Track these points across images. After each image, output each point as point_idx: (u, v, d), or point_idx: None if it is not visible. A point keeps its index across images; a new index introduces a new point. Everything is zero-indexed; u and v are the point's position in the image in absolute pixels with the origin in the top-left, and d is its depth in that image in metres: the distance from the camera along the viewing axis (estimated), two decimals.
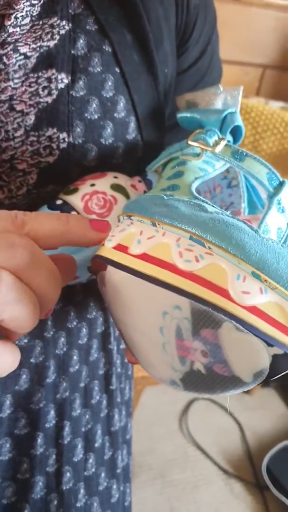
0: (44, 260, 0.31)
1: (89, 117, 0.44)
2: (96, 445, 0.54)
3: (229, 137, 0.43)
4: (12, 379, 0.46)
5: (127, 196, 0.44)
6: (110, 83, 0.45)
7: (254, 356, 0.29)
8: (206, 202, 0.32)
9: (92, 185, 0.43)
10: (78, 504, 0.51)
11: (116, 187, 0.44)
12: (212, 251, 0.29)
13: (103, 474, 0.55)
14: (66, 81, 0.42)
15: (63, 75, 0.42)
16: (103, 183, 0.44)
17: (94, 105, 0.44)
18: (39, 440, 0.48)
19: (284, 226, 0.35)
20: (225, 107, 0.46)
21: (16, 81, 0.41)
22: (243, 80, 1.46)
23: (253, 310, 0.27)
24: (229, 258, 0.28)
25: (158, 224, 0.31)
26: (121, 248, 0.32)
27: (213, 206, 0.32)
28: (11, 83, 0.40)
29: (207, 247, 0.29)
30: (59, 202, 0.43)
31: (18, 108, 0.41)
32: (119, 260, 0.31)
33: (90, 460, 0.53)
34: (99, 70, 0.44)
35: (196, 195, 0.33)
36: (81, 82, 0.43)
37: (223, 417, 1.47)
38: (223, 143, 0.39)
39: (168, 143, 0.57)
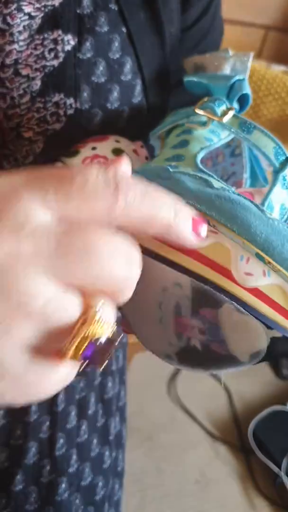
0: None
1: (96, 80, 0.42)
2: (89, 412, 0.54)
3: (235, 105, 0.42)
4: None
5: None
6: (116, 44, 0.43)
7: (253, 338, 0.29)
8: (212, 176, 0.31)
9: (94, 148, 0.42)
10: (70, 470, 0.51)
11: (117, 152, 0.42)
12: (217, 229, 0.28)
13: (95, 441, 0.55)
14: (72, 42, 0.40)
15: (69, 36, 0.40)
16: (105, 146, 0.42)
17: (101, 68, 0.42)
18: (33, 407, 0.48)
19: (287, 203, 0.34)
20: (234, 73, 0.45)
21: (21, 43, 0.38)
22: (244, 41, 1.42)
23: (255, 292, 0.27)
24: (234, 237, 0.27)
25: None
26: None
27: (218, 181, 0.31)
28: (16, 45, 0.38)
29: (212, 225, 0.28)
30: (59, 165, 0.42)
31: (24, 72, 0.39)
32: None
33: (83, 427, 0.53)
34: (105, 30, 0.42)
35: (201, 167, 0.32)
36: (88, 43, 0.41)
37: (211, 382, 1.49)
38: (231, 113, 0.37)
39: (169, 103, 0.56)
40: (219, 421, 1.40)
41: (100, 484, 0.55)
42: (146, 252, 0.28)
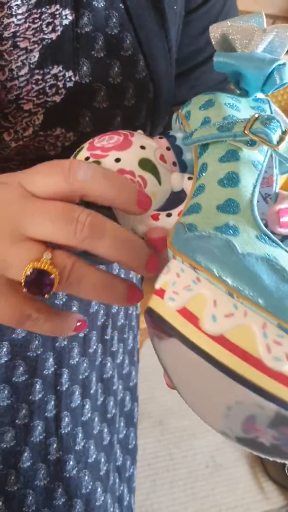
0: (106, 228, 0.32)
1: (95, 55, 0.43)
2: (91, 391, 0.56)
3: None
4: (7, 326, 0.47)
5: (156, 175, 0.37)
6: (114, 20, 0.44)
7: None
8: (280, 246, 0.28)
9: (117, 160, 0.36)
10: (76, 447, 0.53)
11: (145, 164, 0.37)
12: None
13: (96, 419, 0.57)
14: (70, 17, 0.41)
15: (67, 11, 0.41)
16: (130, 157, 0.37)
17: (100, 42, 0.43)
18: (38, 387, 0.49)
19: None
20: (269, 52, 0.39)
21: (19, 17, 0.39)
22: None
23: None
24: None
25: (237, 297, 0.25)
26: (190, 316, 0.27)
27: (286, 250, 0.28)
28: (14, 19, 0.39)
29: None
30: None
31: (22, 45, 0.40)
32: (191, 337, 0.26)
33: (87, 406, 0.55)
34: (102, 5, 0.43)
35: (263, 228, 0.29)
36: (85, 18, 0.42)
37: None
38: (287, 138, 0.32)
39: (179, 93, 0.56)
40: None
41: (103, 460, 0.57)
42: (223, 369, 0.25)
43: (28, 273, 0.30)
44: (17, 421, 0.49)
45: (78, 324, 0.36)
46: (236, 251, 0.26)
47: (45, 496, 0.50)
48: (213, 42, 0.41)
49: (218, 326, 0.25)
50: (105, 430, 0.59)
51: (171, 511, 1.19)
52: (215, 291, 0.26)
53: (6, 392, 0.48)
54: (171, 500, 1.20)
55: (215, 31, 0.41)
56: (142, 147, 0.37)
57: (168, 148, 0.40)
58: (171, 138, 0.40)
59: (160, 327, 0.29)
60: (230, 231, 0.28)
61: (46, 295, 0.31)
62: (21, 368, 0.48)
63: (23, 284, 0.31)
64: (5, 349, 0.47)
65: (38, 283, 0.31)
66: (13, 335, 0.47)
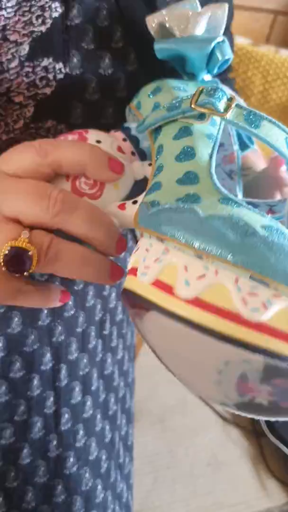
0: (78, 203, 0.33)
1: (86, 46, 0.43)
2: (93, 388, 0.55)
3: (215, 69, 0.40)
4: (3, 321, 0.47)
5: None
6: (104, 12, 0.44)
7: None
8: (243, 205, 0.27)
9: None
10: (77, 444, 0.53)
11: None
12: (280, 292, 0.24)
13: (98, 416, 0.57)
14: (60, 10, 0.42)
15: (57, 4, 0.41)
16: None
17: (90, 34, 0.43)
18: (36, 382, 0.49)
19: None
20: (207, 32, 0.41)
21: (9, 10, 0.40)
22: (253, 26, 1.41)
23: None
24: None
25: (206, 258, 0.26)
26: (163, 286, 0.27)
27: (252, 210, 0.27)
28: (3, 12, 0.39)
29: (274, 288, 0.24)
30: None
31: (12, 38, 0.40)
32: (167, 306, 0.26)
33: (88, 403, 0.55)
34: None
35: (225, 192, 0.28)
36: (75, 11, 0.42)
37: None
38: (234, 105, 0.32)
39: None
40: None
41: (104, 457, 0.57)
42: (203, 330, 0.25)
43: (6, 251, 0.31)
44: (15, 417, 0.49)
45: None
46: (199, 216, 0.27)
47: (44, 492, 0.50)
48: (151, 33, 0.42)
49: (192, 289, 0.26)
50: (107, 427, 0.59)
51: (172, 508, 1.18)
52: (184, 257, 0.27)
53: (3, 388, 0.47)
54: (172, 498, 1.20)
55: (152, 21, 0.42)
56: (98, 141, 0.39)
57: (124, 139, 0.41)
58: (126, 130, 0.41)
59: (137, 304, 0.30)
60: (192, 199, 0.28)
61: (25, 273, 0.32)
62: (18, 364, 0.48)
63: (1, 263, 0.32)
64: (0, 344, 0.47)
65: (16, 261, 0.32)
66: (8, 330, 0.47)
